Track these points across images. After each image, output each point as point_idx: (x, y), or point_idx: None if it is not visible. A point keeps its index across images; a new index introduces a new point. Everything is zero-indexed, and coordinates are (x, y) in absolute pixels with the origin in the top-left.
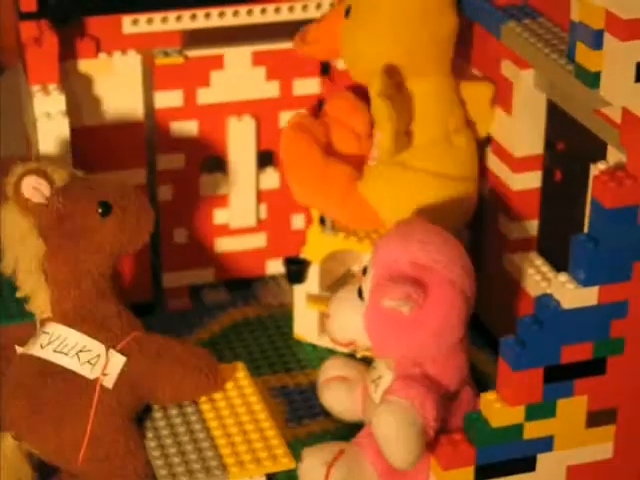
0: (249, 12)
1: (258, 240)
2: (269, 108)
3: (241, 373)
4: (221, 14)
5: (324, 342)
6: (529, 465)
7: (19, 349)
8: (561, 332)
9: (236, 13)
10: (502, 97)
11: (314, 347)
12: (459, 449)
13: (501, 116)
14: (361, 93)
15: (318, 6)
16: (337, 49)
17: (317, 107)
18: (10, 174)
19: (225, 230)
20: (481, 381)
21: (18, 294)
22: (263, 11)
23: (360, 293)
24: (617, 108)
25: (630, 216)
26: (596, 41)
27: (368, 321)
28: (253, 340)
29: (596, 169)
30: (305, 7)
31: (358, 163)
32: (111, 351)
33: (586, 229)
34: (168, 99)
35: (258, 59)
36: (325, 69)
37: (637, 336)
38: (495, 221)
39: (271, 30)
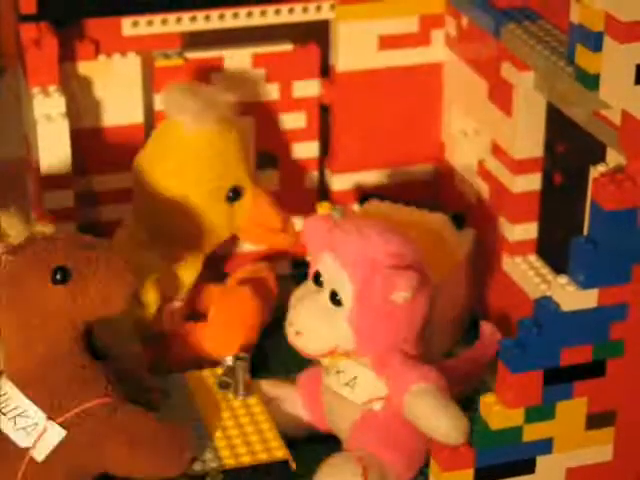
0: (249, 14)
1: None
2: (269, 110)
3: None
4: (221, 16)
5: None
6: (528, 467)
7: None
8: (561, 334)
9: (236, 15)
10: (502, 99)
11: None
12: (458, 451)
13: (501, 118)
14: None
15: (318, 8)
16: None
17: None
18: None
19: None
20: (480, 383)
21: None
22: (263, 13)
23: (335, 300)
24: (616, 110)
25: (629, 218)
26: (595, 43)
27: (359, 321)
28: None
29: (595, 171)
30: (305, 9)
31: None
32: (50, 422)
33: (586, 231)
34: None
35: (258, 61)
36: (325, 71)
37: (637, 338)
38: (495, 223)
39: (271, 32)
